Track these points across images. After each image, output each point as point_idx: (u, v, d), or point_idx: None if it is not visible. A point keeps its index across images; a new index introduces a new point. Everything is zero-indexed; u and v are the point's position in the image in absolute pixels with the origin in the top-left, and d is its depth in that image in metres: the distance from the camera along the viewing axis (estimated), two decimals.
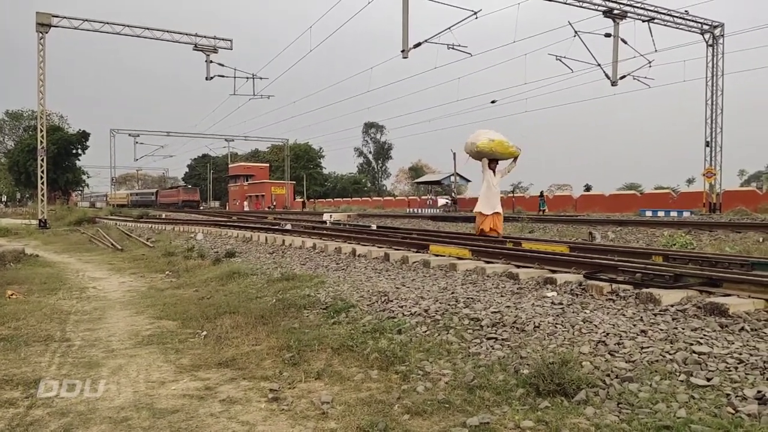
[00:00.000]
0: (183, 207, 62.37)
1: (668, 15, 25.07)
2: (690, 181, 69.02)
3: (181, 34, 30.69)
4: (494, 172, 11.12)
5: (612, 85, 24.16)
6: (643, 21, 24.27)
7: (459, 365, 3.75)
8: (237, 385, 3.78)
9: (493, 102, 30.45)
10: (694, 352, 3.45)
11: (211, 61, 30.90)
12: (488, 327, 4.36)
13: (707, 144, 26.75)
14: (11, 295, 7.32)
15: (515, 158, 11.16)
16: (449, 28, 19.77)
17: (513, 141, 11.11)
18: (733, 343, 3.58)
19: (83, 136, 64.49)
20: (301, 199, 61.80)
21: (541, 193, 34.64)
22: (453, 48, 20.22)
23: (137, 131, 57.24)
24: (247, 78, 31.85)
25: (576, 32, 22.35)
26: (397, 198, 61.97)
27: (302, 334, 4.77)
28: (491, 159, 11.01)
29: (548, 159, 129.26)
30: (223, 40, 31.48)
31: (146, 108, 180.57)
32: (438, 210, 39.10)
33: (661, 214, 24.82)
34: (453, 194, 43.80)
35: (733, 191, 30.14)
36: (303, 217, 28.45)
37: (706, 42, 26.44)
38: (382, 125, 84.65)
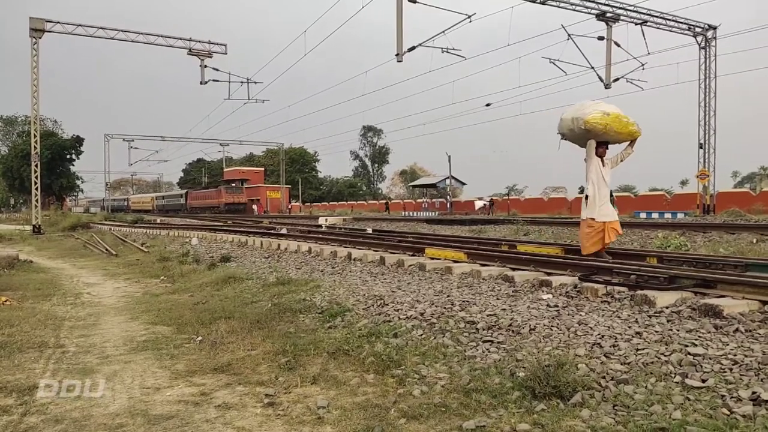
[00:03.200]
0: (226, 212, 51.87)
1: (661, 18, 25.24)
2: (684, 183, 69.41)
3: (175, 38, 30.73)
4: (602, 161, 7.87)
5: (605, 87, 24.31)
6: (636, 24, 24.43)
7: (455, 369, 3.74)
8: (232, 390, 3.76)
9: (487, 105, 30.77)
10: (689, 353, 3.46)
11: (206, 66, 30.95)
12: (484, 330, 4.36)
13: (700, 146, 26.91)
14: (5, 301, 7.27)
15: (632, 142, 7.86)
16: (443, 31, 19.87)
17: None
18: (727, 345, 3.59)
19: (77, 142, 64.25)
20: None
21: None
22: (447, 51, 20.31)
23: (131, 136, 57.23)
24: (242, 82, 31.92)
25: (569, 35, 22.49)
26: (392, 201, 61.98)
27: (298, 339, 4.76)
28: (600, 142, 7.77)
29: (543, 161, 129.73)
30: (217, 44, 31.60)
31: (141, 113, 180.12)
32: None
33: (655, 215, 24.97)
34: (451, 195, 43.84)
35: (726, 193, 30.40)
36: (299, 222, 28.42)
37: (699, 45, 26.62)
38: (380, 129, 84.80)
